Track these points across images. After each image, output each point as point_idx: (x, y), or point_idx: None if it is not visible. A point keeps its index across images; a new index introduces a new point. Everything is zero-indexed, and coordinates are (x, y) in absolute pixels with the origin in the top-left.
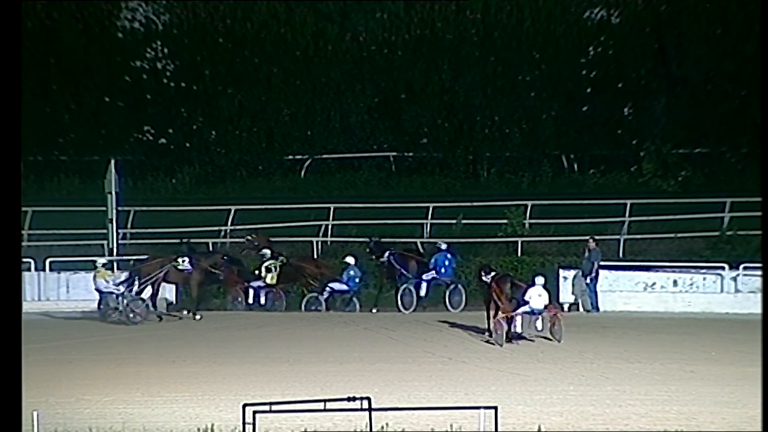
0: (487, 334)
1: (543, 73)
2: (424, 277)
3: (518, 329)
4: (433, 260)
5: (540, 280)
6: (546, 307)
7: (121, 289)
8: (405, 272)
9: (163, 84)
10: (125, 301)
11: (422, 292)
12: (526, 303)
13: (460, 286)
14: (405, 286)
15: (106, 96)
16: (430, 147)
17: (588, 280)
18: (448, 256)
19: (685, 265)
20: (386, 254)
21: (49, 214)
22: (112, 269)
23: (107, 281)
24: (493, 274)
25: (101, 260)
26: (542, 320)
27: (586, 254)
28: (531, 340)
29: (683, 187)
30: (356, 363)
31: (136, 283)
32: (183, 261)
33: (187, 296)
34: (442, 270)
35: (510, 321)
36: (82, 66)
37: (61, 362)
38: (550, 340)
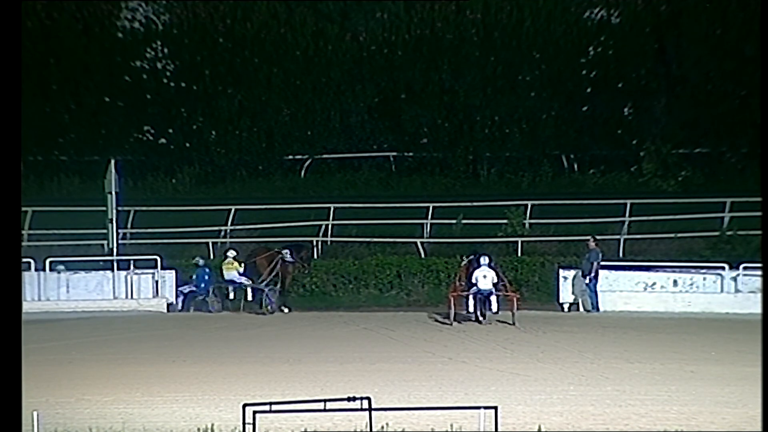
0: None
1: (543, 73)
2: (180, 289)
3: (470, 309)
4: (195, 275)
5: (484, 260)
6: (495, 287)
7: (245, 281)
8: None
9: (163, 84)
10: (266, 291)
11: (179, 306)
12: (474, 285)
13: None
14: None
15: (106, 96)
16: (430, 147)
17: (587, 281)
18: (207, 270)
19: (685, 265)
20: None
21: (49, 214)
22: (240, 262)
23: (239, 273)
24: (470, 258)
25: (232, 252)
26: (497, 302)
27: (587, 254)
28: (479, 322)
29: (683, 187)
30: (356, 363)
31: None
32: (286, 253)
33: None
34: (202, 285)
35: (466, 302)
36: (82, 66)
37: (61, 362)
38: (507, 323)
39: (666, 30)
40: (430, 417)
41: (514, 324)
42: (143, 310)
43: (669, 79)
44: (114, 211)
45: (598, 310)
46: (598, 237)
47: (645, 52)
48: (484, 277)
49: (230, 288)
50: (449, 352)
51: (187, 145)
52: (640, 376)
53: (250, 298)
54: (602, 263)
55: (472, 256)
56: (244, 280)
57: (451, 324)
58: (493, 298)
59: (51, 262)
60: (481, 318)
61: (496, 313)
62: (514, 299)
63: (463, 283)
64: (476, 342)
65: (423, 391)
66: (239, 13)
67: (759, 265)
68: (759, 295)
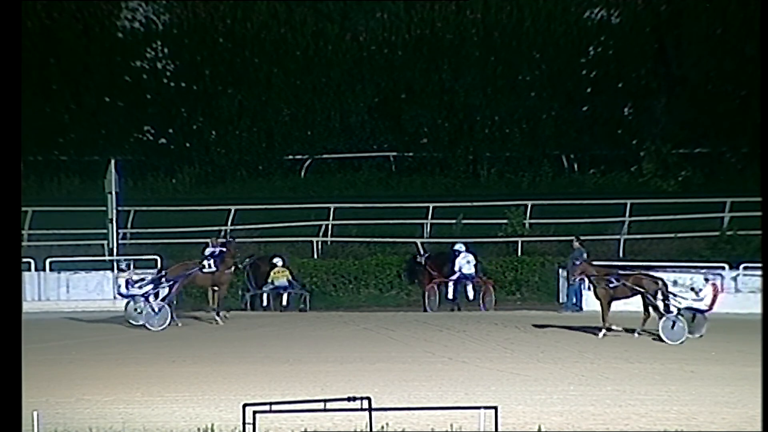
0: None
1: (543, 73)
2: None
3: (450, 296)
4: None
5: (461, 247)
6: (476, 272)
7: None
8: None
9: (163, 84)
10: (305, 294)
11: None
12: (458, 272)
13: None
14: None
15: (106, 96)
16: (430, 147)
17: (571, 281)
18: None
19: (685, 265)
20: None
21: (49, 214)
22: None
23: (288, 279)
24: (426, 255)
25: (279, 260)
26: (473, 289)
27: (571, 254)
28: (461, 310)
29: (683, 187)
30: (356, 363)
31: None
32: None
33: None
34: None
35: (446, 289)
36: (82, 66)
37: (61, 362)
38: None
39: (666, 30)
40: (430, 417)
41: (487, 309)
42: None
43: (669, 79)
44: (114, 211)
45: (581, 309)
46: (598, 237)
47: (645, 52)
48: (468, 263)
49: (267, 294)
50: (449, 352)
51: (187, 145)
52: (640, 376)
53: (285, 302)
54: (602, 263)
55: (426, 254)
56: (291, 284)
57: (434, 310)
58: (470, 286)
59: (51, 262)
60: (480, 306)
61: (473, 301)
62: (491, 286)
63: (435, 273)
64: (476, 342)
65: (423, 391)
66: (239, 13)
67: (759, 265)
68: (759, 295)
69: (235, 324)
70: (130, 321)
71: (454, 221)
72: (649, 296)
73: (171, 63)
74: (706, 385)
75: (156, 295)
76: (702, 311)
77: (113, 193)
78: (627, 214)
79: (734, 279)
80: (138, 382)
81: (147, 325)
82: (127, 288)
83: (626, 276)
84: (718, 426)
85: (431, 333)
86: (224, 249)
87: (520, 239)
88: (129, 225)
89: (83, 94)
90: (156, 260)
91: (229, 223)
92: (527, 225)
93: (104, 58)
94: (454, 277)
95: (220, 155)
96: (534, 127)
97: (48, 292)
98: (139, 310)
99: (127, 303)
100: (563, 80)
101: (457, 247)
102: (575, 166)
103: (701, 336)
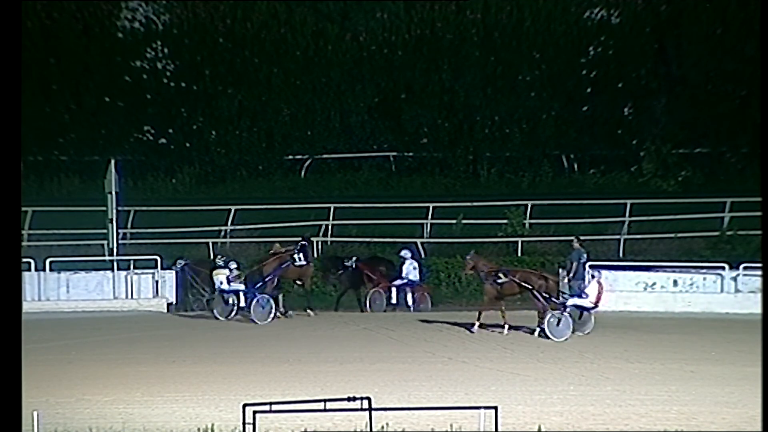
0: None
1: (543, 73)
2: None
3: (393, 300)
4: None
5: (407, 253)
6: (421, 278)
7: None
8: None
9: (163, 84)
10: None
11: None
12: (404, 278)
13: None
14: None
15: (106, 96)
16: (430, 147)
17: (567, 281)
18: None
19: (685, 265)
20: None
21: (49, 214)
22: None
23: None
24: (354, 258)
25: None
26: (412, 295)
27: (569, 255)
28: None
29: (683, 187)
30: (356, 363)
31: None
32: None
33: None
34: None
35: (389, 294)
36: (82, 66)
37: (61, 362)
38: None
39: (666, 30)
40: (430, 417)
41: (418, 310)
42: (143, 310)
43: (669, 79)
44: (114, 211)
45: None
46: (598, 237)
47: (645, 52)
48: (414, 269)
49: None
50: (449, 352)
51: (187, 145)
52: (640, 376)
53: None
54: (602, 264)
55: (354, 257)
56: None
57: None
58: (410, 292)
59: (51, 262)
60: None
61: (412, 306)
62: (427, 293)
63: (375, 277)
64: (476, 342)
65: (423, 391)
66: (239, 13)
67: (759, 265)
68: (759, 295)
69: (234, 324)
70: (221, 316)
71: (454, 221)
72: (535, 292)
73: (171, 63)
74: (706, 385)
75: (260, 290)
76: (587, 309)
77: (113, 193)
78: (627, 214)
79: (734, 279)
80: (138, 382)
81: (255, 319)
82: (228, 284)
83: (514, 272)
84: (718, 426)
85: (431, 333)
86: (306, 243)
87: (520, 239)
88: (129, 225)
89: (83, 94)
90: (156, 260)
91: (229, 223)
92: (527, 225)
93: (104, 58)
94: (399, 282)
95: (220, 155)
96: (534, 127)
97: (48, 292)
98: (238, 305)
99: (214, 299)
100: (563, 80)
101: (403, 253)
102: (575, 166)
103: (587, 333)
